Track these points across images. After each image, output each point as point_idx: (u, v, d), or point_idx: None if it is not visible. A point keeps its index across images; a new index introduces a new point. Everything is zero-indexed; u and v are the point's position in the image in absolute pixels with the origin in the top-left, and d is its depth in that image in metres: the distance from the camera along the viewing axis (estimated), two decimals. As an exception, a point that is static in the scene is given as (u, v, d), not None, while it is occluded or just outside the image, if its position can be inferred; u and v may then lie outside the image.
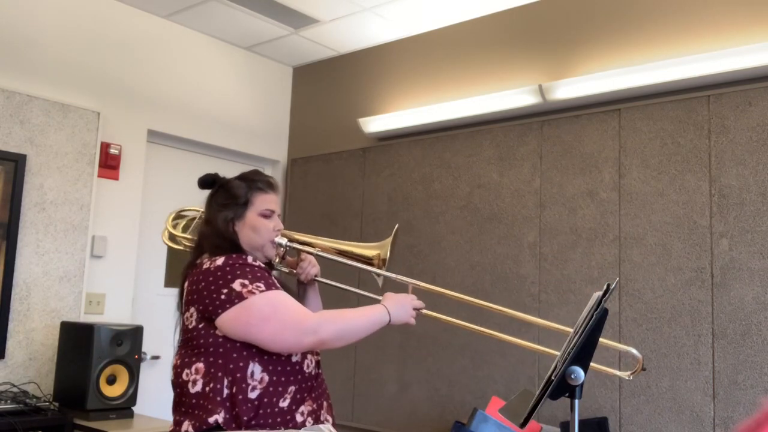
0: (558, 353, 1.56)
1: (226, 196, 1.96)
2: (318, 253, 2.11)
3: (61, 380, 3.21)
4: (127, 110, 3.86)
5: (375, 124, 4.09)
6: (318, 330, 1.78)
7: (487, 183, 3.62)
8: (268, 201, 1.97)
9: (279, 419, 1.77)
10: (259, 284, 1.81)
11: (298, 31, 4.17)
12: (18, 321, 3.29)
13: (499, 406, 2.51)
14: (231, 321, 1.77)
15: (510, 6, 3.69)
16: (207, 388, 1.76)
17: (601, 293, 1.45)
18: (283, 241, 2.00)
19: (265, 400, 1.76)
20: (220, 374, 1.76)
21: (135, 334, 3.23)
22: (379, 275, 2.08)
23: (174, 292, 2.02)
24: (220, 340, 1.79)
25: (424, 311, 2.04)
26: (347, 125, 4.36)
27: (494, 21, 3.78)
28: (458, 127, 3.79)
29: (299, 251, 2.11)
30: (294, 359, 1.84)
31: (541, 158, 3.44)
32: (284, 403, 1.79)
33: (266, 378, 1.78)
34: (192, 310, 1.84)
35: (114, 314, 3.68)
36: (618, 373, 1.94)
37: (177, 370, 1.84)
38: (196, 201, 2.18)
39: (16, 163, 3.30)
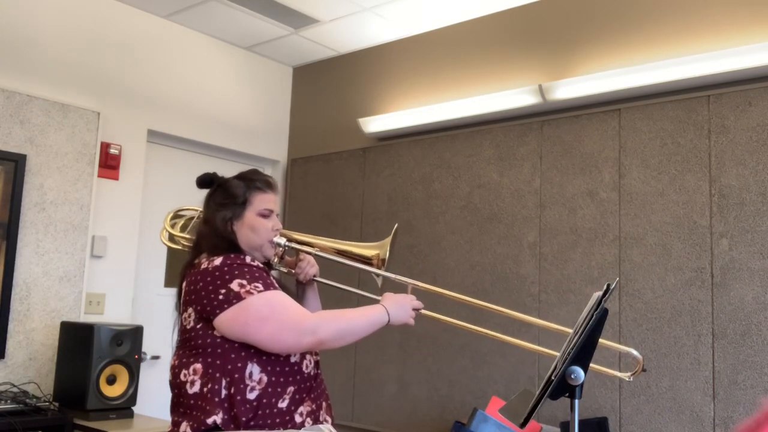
0: (557, 354, 1.56)
1: (225, 195, 1.95)
2: (317, 253, 2.11)
3: (61, 380, 3.21)
4: (127, 110, 3.86)
5: (375, 124, 4.09)
6: (317, 330, 1.77)
7: (487, 183, 3.62)
8: (266, 200, 1.96)
9: (278, 420, 1.76)
10: (257, 284, 1.80)
11: (298, 31, 4.17)
12: (18, 321, 3.29)
13: (499, 406, 2.51)
14: (229, 321, 1.76)
15: (510, 6, 3.69)
16: (205, 389, 1.75)
17: (601, 293, 1.45)
18: (282, 240, 1.99)
19: (264, 400, 1.76)
20: (218, 375, 1.75)
21: (135, 334, 3.23)
22: (378, 275, 2.07)
23: (174, 292, 2.01)
24: (218, 340, 1.78)
25: (424, 311, 2.03)
26: (347, 125, 4.36)
27: (494, 21, 3.78)
28: (458, 127, 3.79)
29: (298, 251, 2.10)
30: (293, 360, 1.83)
31: (541, 158, 3.44)
32: (283, 404, 1.78)
33: (265, 379, 1.77)
34: (190, 310, 1.83)
35: (114, 314, 3.68)
36: (618, 374, 1.94)
37: (175, 371, 1.83)
38: (196, 201, 2.17)
39: (16, 163, 3.30)
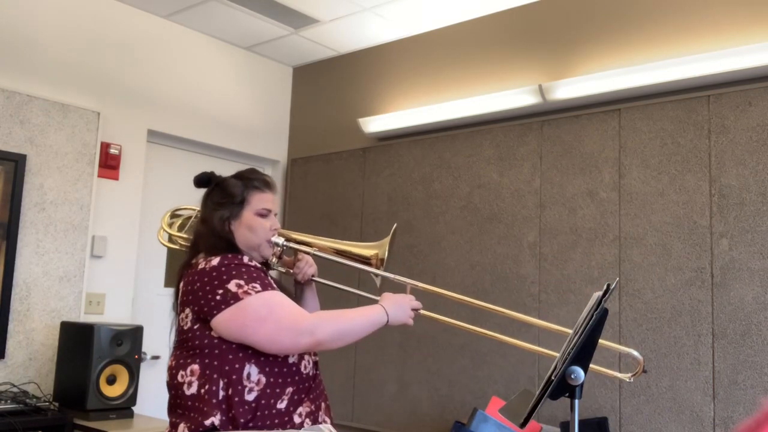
0: (557, 354, 1.56)
1: (222, 194, 1.93)
2: (315, 252, 2.09)
3: (61, 380, 3.21)
4: (127, 110, 3.86)
5: (375, 124, 4.09)
6: (315, 331, 1.76)
7: (487, 183, 3.62)
8: (264, 200, 1.95)
9: (277, 420, 1.75)
10: (255, 285, 1.79)
11: (298, 31, 4.17)
12: (18, 321, 3.29)
13: (499, 406, 2.51)
14: (226, 322, 1.75)
15: (510, 6, 3.69)
16: (202, 390, 1.74)
17: (601, 293, 1.45)
18: (280, 240, 1.98)
19: (263, 401, 1.75)
20: (215, 376, 1.74)
21: (135, 334, 3.22)
22: (377, 275, 2.06)
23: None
24: (216, 341, 1.77)
25: (423, 312, 2.02)
26: (347, 125, 4.36)
27: (494, 21, 3.78)
28: (458, 127, 3.79)
29: (296, 251, 2.09)
30: (291, 360, 1.82)
31: (541, 158, 3.44)
32: (282, 405, 1.77)
33: (263, 380, 1.76)
34: (187, 310, 1.82)
35: (114, 314, 3.68)
36: (619, 375, 1.93)
37: (172, 372, 1.82)
38: (196, 201, 2.16)
39: (16, 163, 3.30)
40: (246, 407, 1.73)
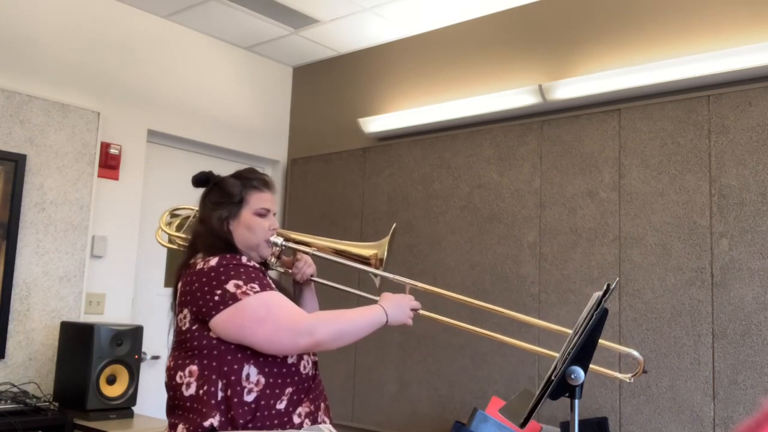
0: (556, 354, 1.56)
1: (221, 194, 1.92)
2: (314, 252, 2.09)
3: (61, 380, 3.21)
4: (127, 110, 3.86)
5: (375, 124, 4.09)
6: (313, 331, 1.75)
7: (487, 183, 3.62)
8: (263, 200, 1.94)
9: (276, 421, 1.75)
10: (253, 285, 1.78)
11: (298, 31, 4.17)
12: (18, 321, 3.29)
13: (499, 406, 2.51)
14: (225, 323, 1.74)
15: (510, 6, 3.69)
16: (201, 391, 1.73)
17: (601, 293, 1.45)
18: (279, 240, 1.98)
19: (262, 402, 1.74)
20: (214, 377, 1.73)
21: (135, 334, 3.22)
22: (376, 275, 2.06)
23: (173, 292, 2.00)
24: (214, 342, 1.76)
25: (422, 312, 2.01)
26: (347, 125, 4.36)
27: (494, 21, 3.78)
28: (458, 127, 3.79)
29: (295, 251, 2.08)
30: (290, 361, 1.82)
31: (541, 158, 3.44)
32: (281, 405, 1.77)
33: (262, 380, 1.75)
34: (185, 311, 1.81)
35: (114, 314, 3.68)
36: (619, 375, 1.93)
37: (170, 372, 1.81)
38: (196, 201, 2.15)
39: (16, 163, 3.30)
40: (245, 408, 1.72)
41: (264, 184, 1.96)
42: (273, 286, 1.87)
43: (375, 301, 1.94)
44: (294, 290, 2.11)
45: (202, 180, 1.99)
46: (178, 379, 1.78)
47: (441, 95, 3.92)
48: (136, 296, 3.86)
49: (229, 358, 1.75)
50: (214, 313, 1.75)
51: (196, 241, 1.94)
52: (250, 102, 4.52)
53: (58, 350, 3.27)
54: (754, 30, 2.90)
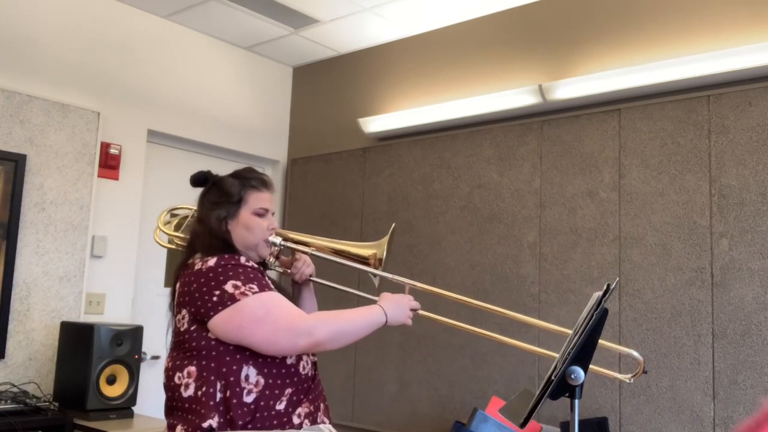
0: (556, 354, 1.56)
1: (219, 194, 1.91)
2: (313, 252, 2.08)
3: (61, 380, 3.21)
4: (127, 110, 3.86)
5: (375, 124, 4.09)
6: (312, 332, 1.74)
7: (487, 183, 3.62)
8: (262, 199, 1.93)
9: (275, 422, 1.74)
10: (252, 285, 1.77)
11: (298, 31, 4.17)
12: (18, 321, 3.29)
13: (499, 406, 2.51)
14: (223, 323, 1.73)
15: (510, 6, 3.69)
16: (200, 392, 1.72)
17: (601, 293, 1.45)
18: (278, 240, 1.97)
19: (262, 403, 1.73)
20: (212, 378, 1.73)
21: (135, 334, 3.22)
22: (375, 275, 2.05)
23: (172, 292, 2.00)
24: (213, 342, 1.75)
25: (421, 312, 2.00)
26: (347, 125, 4.36)
27: (494, 21, 3.78)
28: (458, 127, 3.79)
29: (294, 251, 2.07)
30: (289, 361, 1.81)
31: (541, 158, 3.44)
32: (281, 406, 1.76)
33: (262, 381, 1.75)
34: (184, 312, 1.80)
35: (114, 314, 3.68)
36: (619, 375, 1.92)
37: (169, 373, 1.80)
38: (195, 201, 2.15)
39: (16, 163, 3.31)
40: (245, 409, 1.71)
41: (263, 183, 1.95)
42: (272, 286, 1.86)
43: (374, 301, 1.93)
44: (293, 290, 2.10)
45: (200, 179, 1.98)
46: (176, 380, 1.77)
47: (441, 95, 3.92)
48: (136, 296, 3.86)
49: (228, 358, 1.74)
50: (212, 313, 1.74)
51: (194, 241, 1.93)
52: (250, 102, 4.52)
53: (58, 350, 3.27)
54: (754, 30, 2.90)
